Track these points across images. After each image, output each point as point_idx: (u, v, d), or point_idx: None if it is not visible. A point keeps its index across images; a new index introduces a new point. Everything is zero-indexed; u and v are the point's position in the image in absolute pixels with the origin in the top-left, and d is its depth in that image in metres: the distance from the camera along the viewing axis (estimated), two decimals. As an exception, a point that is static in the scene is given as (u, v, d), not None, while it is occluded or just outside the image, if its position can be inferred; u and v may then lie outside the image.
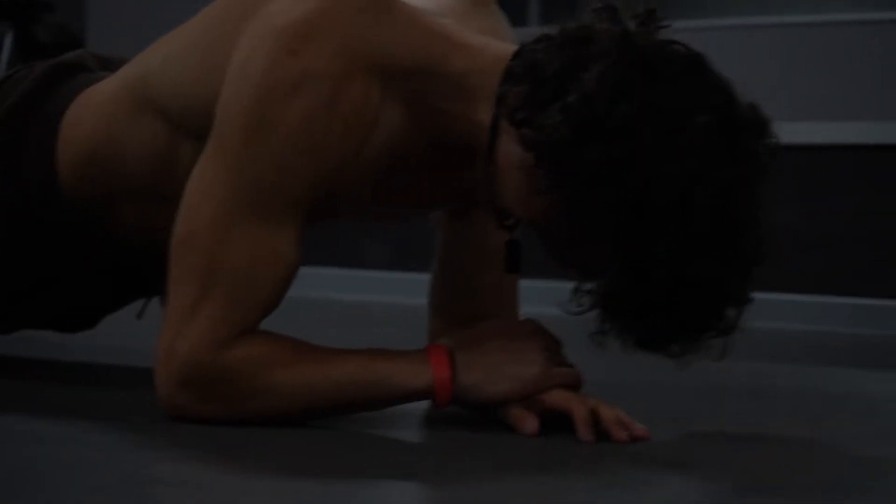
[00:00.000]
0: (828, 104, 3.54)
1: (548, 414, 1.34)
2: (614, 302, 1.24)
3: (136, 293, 1.68)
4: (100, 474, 1.07)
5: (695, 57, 1.24)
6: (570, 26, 1.26)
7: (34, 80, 1.56)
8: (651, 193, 1.18)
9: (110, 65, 1.63)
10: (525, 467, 1.17)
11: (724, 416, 1.59)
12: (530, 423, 1.32)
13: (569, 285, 1.29)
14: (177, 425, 1.31)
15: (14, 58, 4.95)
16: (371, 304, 3.39)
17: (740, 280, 1.24)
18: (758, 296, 1.28)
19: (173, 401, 1.31)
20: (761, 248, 1.24)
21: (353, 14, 1.29)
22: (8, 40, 5.06)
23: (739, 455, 1.28)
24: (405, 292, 3.70)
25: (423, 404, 1.40)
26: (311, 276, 4.06)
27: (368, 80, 1.30)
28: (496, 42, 1.37)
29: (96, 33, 5.23)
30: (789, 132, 2.93)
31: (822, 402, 1.78)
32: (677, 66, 1.22)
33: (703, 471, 1.18)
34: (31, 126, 1.53)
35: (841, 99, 3.53)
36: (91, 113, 1.50)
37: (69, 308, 1.70)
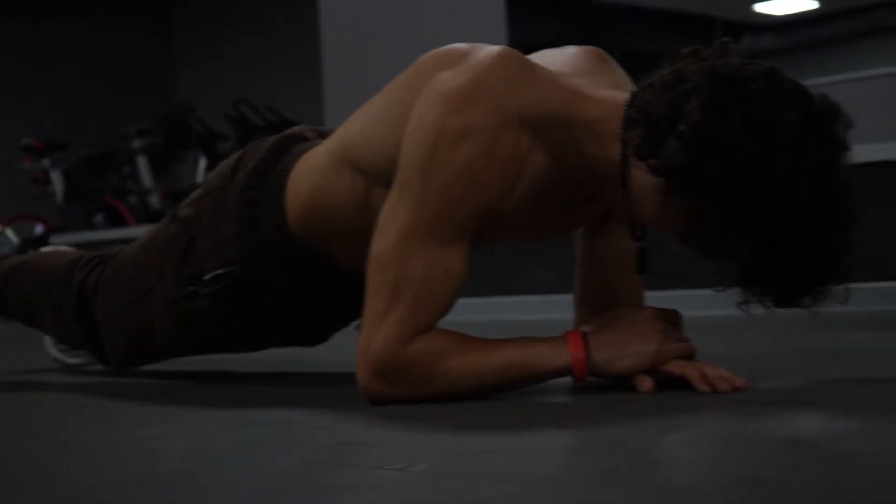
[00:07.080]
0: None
1: (670, 380, 1.63)
2: (752, 275, 1.53)
3: (356, 312, 2.03)
4: (315, 442, 1.42)
5: (770, 70, 1.51)
6: (665, 72, 1.56)
7: (267, 149, 1.99)
8: (763, 187, 1.45)
9: (323, 134, 2.04)
10: (650, 410, 1.50)
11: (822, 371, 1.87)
12: (647, 383, 1.63)
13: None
14: (373, 408, 1.64)
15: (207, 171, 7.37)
16: (542, 322, 3.73)
17: (844, 235, 1.51)
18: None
19: (369, 387, 1.64)
20: (854, 208, 1.51)
21: (504, 79, 1.61)
22: (202, 161, 7.69)
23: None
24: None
25: (568, 379, 1.70)
26: (492, 305, 4.45)
27: (518, 132, 1.61)
28: (615, 91, 1.67)
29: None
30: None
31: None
32: (758, 82, 1.49)
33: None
34: (266, 184, 1.94)
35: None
36: (308, 172, 1.90)
37: (309, 326, 2.12)
